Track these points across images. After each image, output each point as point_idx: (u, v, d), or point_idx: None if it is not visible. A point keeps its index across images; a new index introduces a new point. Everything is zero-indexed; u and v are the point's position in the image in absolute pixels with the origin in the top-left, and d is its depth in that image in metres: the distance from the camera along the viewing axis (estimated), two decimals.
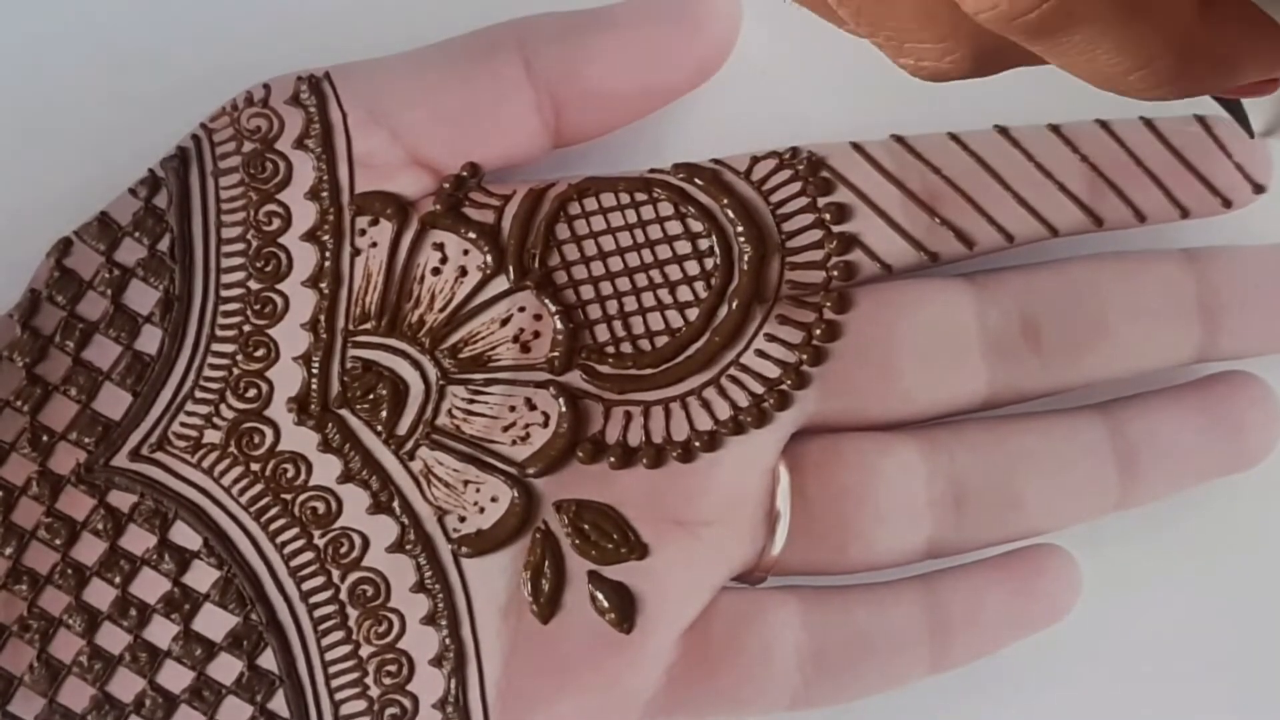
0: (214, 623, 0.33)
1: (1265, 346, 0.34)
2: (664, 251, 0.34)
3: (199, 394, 0.33)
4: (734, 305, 0.34)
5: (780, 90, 0.36)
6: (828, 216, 0.34)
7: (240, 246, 0.34)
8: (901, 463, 0.33)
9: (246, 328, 0.33)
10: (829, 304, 0.33)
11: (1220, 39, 0.27)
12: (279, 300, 0.33)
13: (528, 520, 0.33)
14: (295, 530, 0.33)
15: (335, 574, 0.33)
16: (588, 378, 0.33)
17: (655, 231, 0.34)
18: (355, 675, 0.33)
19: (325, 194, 0.34)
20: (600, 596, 0.33)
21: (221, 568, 0.33)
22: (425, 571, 0.33)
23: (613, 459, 0.33)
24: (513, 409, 0.33)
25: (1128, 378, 0.34)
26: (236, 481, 0.33)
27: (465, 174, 0.34)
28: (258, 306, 0.33)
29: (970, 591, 0.34)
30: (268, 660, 0.32)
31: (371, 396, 0.33)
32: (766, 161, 0.34)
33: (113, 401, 0.33)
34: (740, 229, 0.34)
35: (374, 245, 0.34)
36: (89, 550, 0.33)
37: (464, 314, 0.34)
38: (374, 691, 0.32)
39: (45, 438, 0.33)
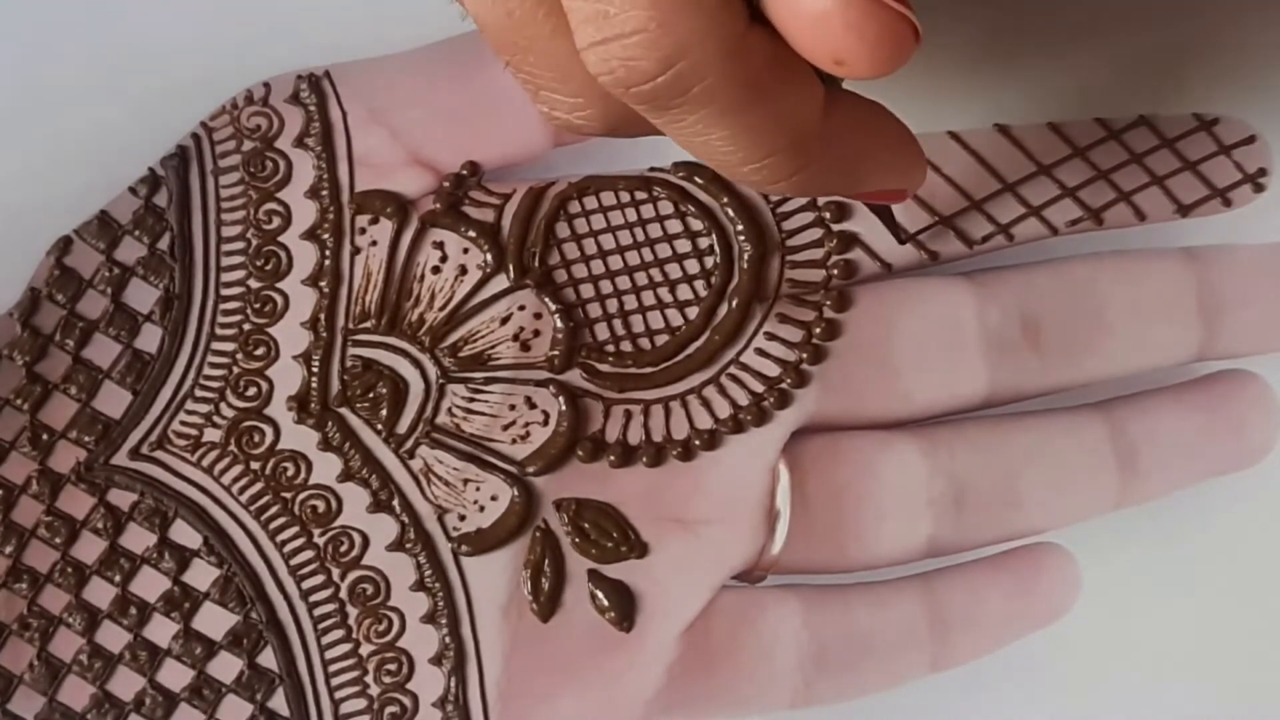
0: (214, 621, 0.33)
1: (1265, 345, 0.34)
2: (664, 250, 0.34)
3: (199, 392, 0.33)
4: (734, 304, 0.34)
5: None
6: (828, 215, 0.34)
7: (240, 245, 0.34)
8: (901, 461, 0.33)
9: (246, 326, 0.33)
10: (829, 302, 0.33)
11: (843, 141, 0.27)
12: (279, 299, 0.33)
13: (527, 519, 0.33)
14: (295, 529, 0.33)
15: (335, 572, 0.33)
16: (587, 376, 0.33)
17: (655, 230, 0.34)
18: (355, 674, 0.33)
19: (325, 192, 0.34)
20: (600, 595, 0.33)
21: (221, 566, 0.33)
22: (425, 570, 0.33)
23: (612, 457, 0.33)
24: (512, 407, 0.33)
25: (1127, 376, 0.34)
26: (236, 480, 0.33)
27: (465, 173, 0.34)
28: (258, 305, 0.33)
29: (970, 590, 0.34)
30: (268, 659, 0.32)
31: (371, 395, 0.33)
32: None
33: (113, 400, 0.33)
34: (740, 227, 0.34)
35: (374, 244, 0.34)
36: (89, 549, 0.33)
37: (464, 312, 0.34)
38: (374, 690, 0.32)
39: (45, 436, 0.33)
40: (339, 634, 0.33)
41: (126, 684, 0.32)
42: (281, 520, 0.33)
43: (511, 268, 0.34)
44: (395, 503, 0.33)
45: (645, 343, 0.34)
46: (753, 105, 0.25)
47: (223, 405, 0.33)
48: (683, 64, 0.24)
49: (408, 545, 0.33)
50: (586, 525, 0.33)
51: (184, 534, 0.33)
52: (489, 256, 0.34)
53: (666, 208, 0.34)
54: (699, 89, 0.24)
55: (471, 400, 0.33)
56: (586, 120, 0.27)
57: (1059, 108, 0.35)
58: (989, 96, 0.35)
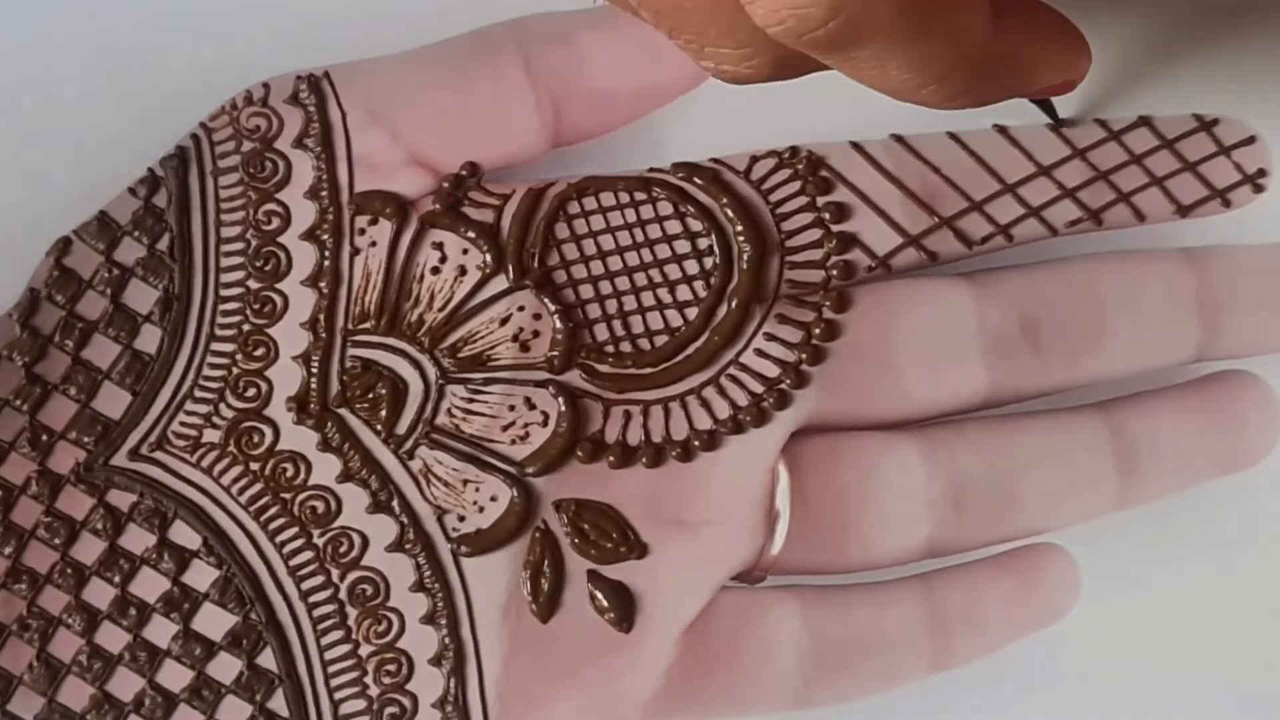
0: (213, 622, 0.33)
1: (1265, 346, 0.34)
2: (663, 251, 0.34)
3: (198, 393, 0.33)
4: (733, 304, 0.34)
5: (779, 89, 0.35)
6: (827, 216, 0.34)
7: (239, 246, 0.34)
8: (901, 462, 0.33)
9: (246, 327, 0.33)
10: (828, 303, 0.33)
11: (1013, 50, 0.27)
12: (278, 299, 0.33)
13: (527, 519, 0.33)
14: (295, 529, 0.33)
15: (335, 573, 0.33)
16: (587, 377, 0.33)
17: (655, 231, 0.34)
18: (355, 674, 0.33)
19: (325, 193, 0.34)
20: (600, 596, 0.33)
21: (221, 567, 0.33)
22: (424, 571, 0.33)
23: (612, 458, 0.33)
24: (512, 408, 0.33)
25: (1127, 377, 0.34)
26: (236, 481, 0.33)
27: (464, 173, 0.34)
28: (257, 306, 0.33)
29: (970, 591, 0.34)
30: (267, 659, 0.32)
31: (371, 396, 0.33)
32: (766, 161, 0.34)
33: (112, 401, 0.33)
34: (740, 228, 0.34)
35: (373, 244, 0.34)
36: (88, 549, 0.33)
37: (463, 313, 0.34)
38: (373, 691, 0.32)
39: (45, 437, 0.33)
40: (338, 635, 0.33)
41: (126, 685, 0.32)
42: (281, 521, 0.33)
43: (511, 268, 0.34)
44: (395, 503, 0.33)
45: (645, 343, 0.34)
46: (924, 33, 0.25)
47: (222, 406, 0.33)
48: (851, 7, 0.24)
49: (407, 546, 0.33)
50: (586, 526, 0.33)
51: (183, 535, 0.33)
52: (488, 257, 0.34)
53: (666, 208, 0.34)
54: (869, 27, 0.24)
55: (471, 401, 0.33)
56: (755, 68, 0.27)
57: (1059, 108, 0.35)
58: None
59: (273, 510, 0.33)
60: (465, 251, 0.34)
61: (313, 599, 0.33)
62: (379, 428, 0.33)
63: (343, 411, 0.33)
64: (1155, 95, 0.35)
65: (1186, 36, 0.36)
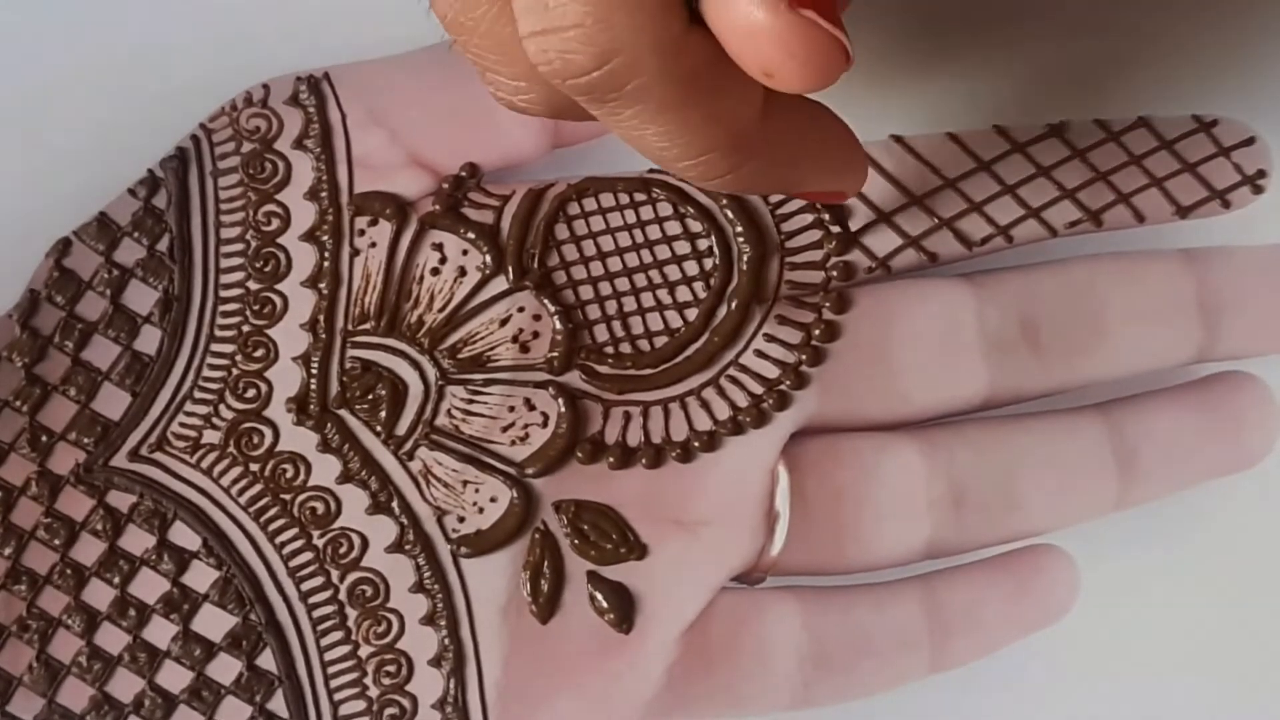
0: (213, 623, 0.33)
1: (1264, 346, 0.34)
2: (663, 252, 0.34)
3: (198, 394, 0.33)
4: (733, 305, 0.34)
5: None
6: (827, 217, 0.34)
7: (239, 247, 0.34)
8: (901, 463, 0.33)
9: (245, 328, 0.33)
10: (828, 304, 0.33)
11: (783, 146, 0.27)
12: (278, 300, 0.33)
13: (527, 520, 0.33)
14: (294, 530, 0.33)
15: (334, 574, 0.33)
16: (587, 378, 0.33)
17: (654, 232, 0.34)
18: (354, 675, 0.33)
19: (324, 194, 0.34)
20: (599, 596, 0.33)
21: (220, 568, 0.33)
22: (424, 572, 0.33)
23: (612, 459, 0.33)
24: (512, 409, 0.33)
25: (1127, 378, 0.34)
26: (236, 482, 0.33)
27: (464, 174, 0.34)
28: (257, 307, 0.33)
29: (969, 591, 0.34)
30: (267, 660, 0.32)
31: (370, 397, 0.33)
32: None
33: (112, 401, 0.33)
34: (739, 229, 0.34)
35: (373, 245, 0.34)
36: (88, 550, 0.33)
37: (463, 314, 0.34)
38: (373, 691, 0.32)
39: (44, 438, 0.33)
40: (338, 635, 0.33)
41: (126, 685, 0.32)
42: (281, 522, 0.33)
43: (511, 269, 0.34)
44: (394, 504, 0.33)
45: (644, 344, 0.34)
46: (688, 104, 0.25)
47: (222, 407, 0.33)
48: (617, 61, 0.24)
49: (407, 547, 0.33)
50: (586, 527, 0.33)
51: (183, 535, 0.33)
52: (488, 258, 0.34)
53: (665, 209, 0.34)
54: (634, 85, 0.25)
55: (471, 402, 0.33)
56: (529, 103, 0.27)
57: (1059, 109, 0.35)
58: (988, 98, 0.35)
59: (272, 511, 0.33)
60: (465, 252, 0.34)
61: (312, 600, 0.33)
62: (379, 429, 0.33)
63: (342, 412, 0.33)
64: (1155, 95, 0.35)
65: (1186, 36, 0.36)
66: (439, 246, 0.34)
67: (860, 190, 0.32)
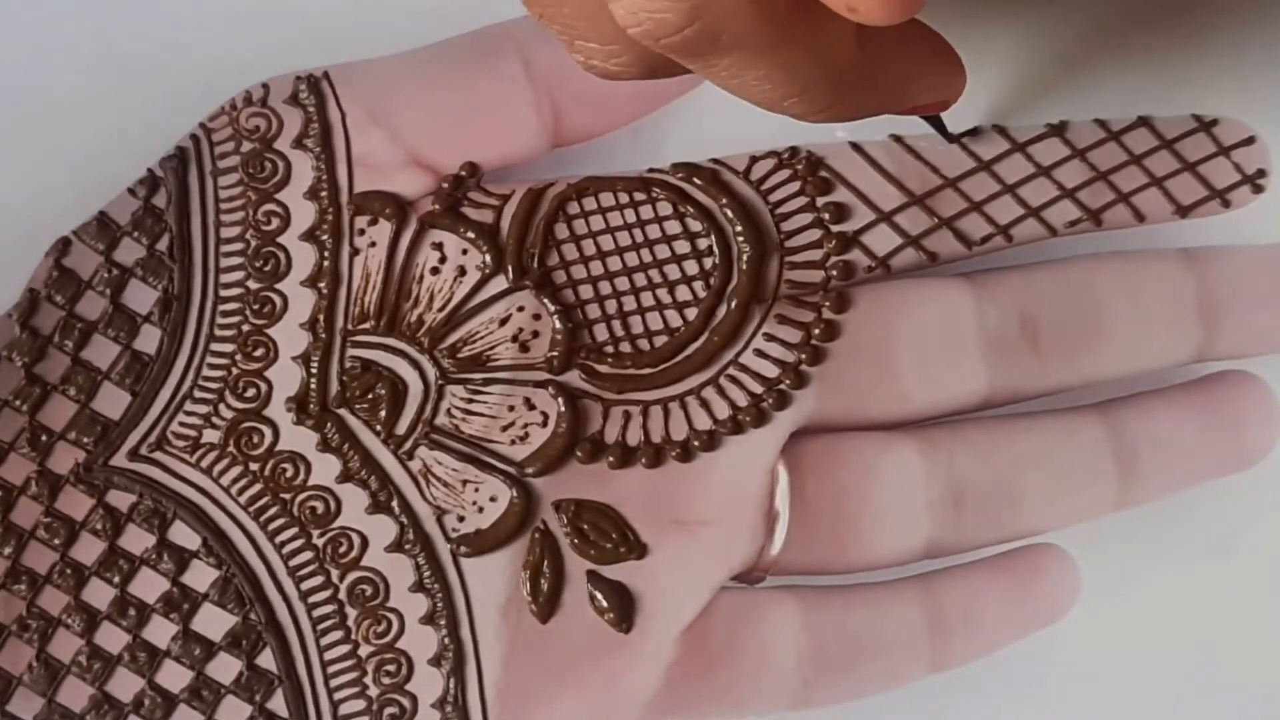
0: (213, 622, 0.33)
1: (1264, 346, 0.34)
2: (663, 251, 0.34)
3: (198, 394, 0.33)
4: (733, 305, 0.34)
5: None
6: (826, 216, 0.34)
7: (239, 246, 0.34)
8: (900, 462, 0.33)
9: (245, 327, 0.33)
10: (828, 303, 0.33)
11: (881, 66, 0.27)
12: (278, 300, 0.33)
13: (526, 520, 0.33)
14: (294, 530, 0.33)
15: (334, 573, 0.33)
16: (586, 377, 0.33)
17: (654, 231, 0.34)
18: (354, 675, 0.33)
19: (324, 194, 0.34)
20: (599, 596, 0.33)
21: (220, 567, 0.33)
22: (424, 571, 0.33)
23: (611, 458, 0.33)
24: (511, 408, 0.33)
25: (1127, 377, 0.34)
26: (235, 481, 0.33)
27: (464, 174, 0.34)
28: (256, 306, 0.33)
29: (969, 591, 0.34)
30: (267, 660, 0.32)
31: (370, 396, 0.33)
32: (765, 161, 0.34)
33: (112, 401, 0.33)
34: (739, 228, 0.34)
35: (373, 245, 0.34)
36: (88, 550, 0.33)
37: (463, 313, 0.34)
38: (373, 691, 0.32)
39: (44, 437, 0.33)
40: (338, 635, 0.33)
41: (125, 685, 0.32)
42: (280, 521, 0.33)
43: (510, 269, 0.34)
44: (394, 504, 0.33)
45: (644, 344, 0.34)
46: (785, 43, 0.25)
47: (221, 406, 0.33)
48: (709, 15, 0.24)
49: (407, 546, 0.33)
50: (585, 526, 0.33)
51: (183, 535, 0.33)
52: (488, 257, 0.34)
53: (665, 209, 0.34)
54: (727, 36, 0.24)
55: (470, 401, 0.33)
56: (622, 67, 0.27)
57: (1059, 109, 0.35)
58: (988, 98, 0.35)
59: (272, 510, 0.33)
60: (465, 252, 0.34)
61: (312, 599, 0.33)
62: (378, 428, 0.33)
63: (342, 412, 0.33)
64: (1155, 95, 0.35)
65: (1185, 37, 0.36)
66: (439, 246, 0.34)
67: (961, 93, 0.32)
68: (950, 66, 0.30)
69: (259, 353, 0.33)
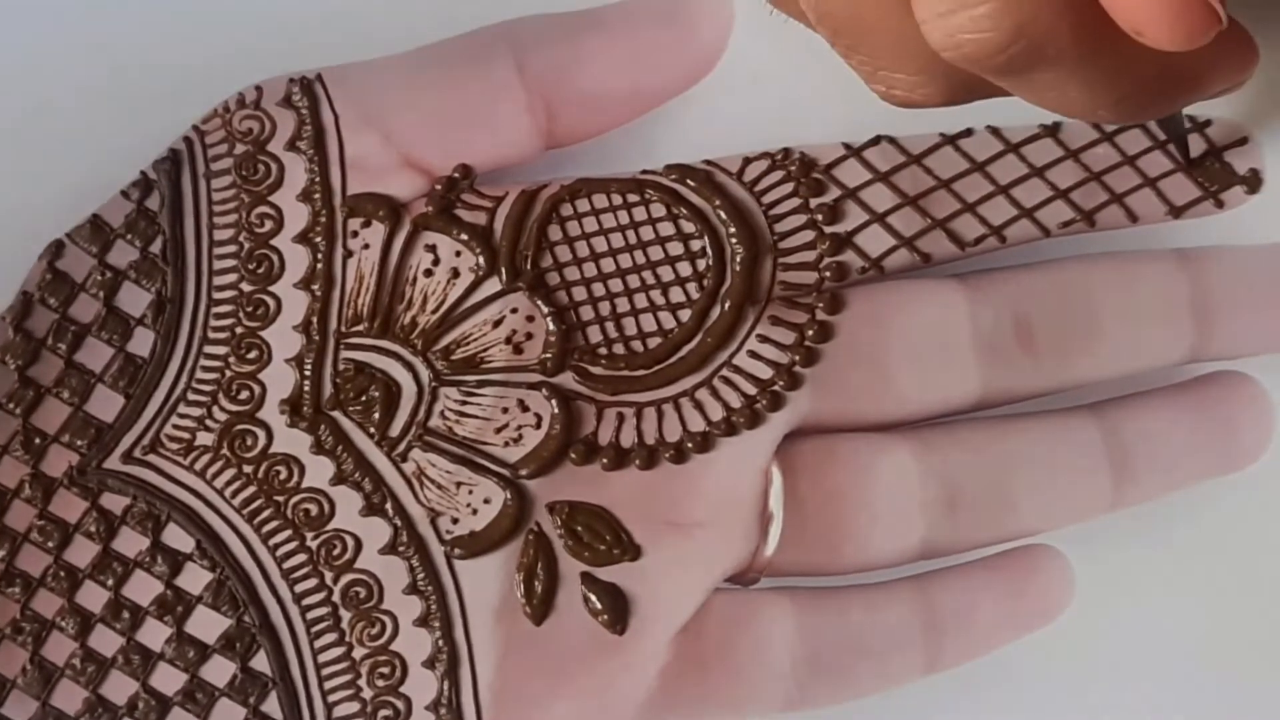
0: (207, 625, 0.33)
1: (1258, 347, 0.34)
2: (656, 252, 0.34)
3: (191, 396, 0.33)
4: (726, 306, 0.34)
5: (772, 91, 0.36)
6: (820, 217, 0.34)
7: (232, 248, 0.34)
8: (895, 463, 0.33)
9: (239, 330, 0.33)
10: (821, 305, 0.33)
11: (1188, 63, 0.27)
12: (271, 302, 0.33)
13: (520, 522, 0.33)
14: (288, 532, 0.33)
15: (328, 576, 0.33)
16: (580, 379, 0.33)
17: (648, 233, 0.34)
18: (348, 677, 0.33)
19: (317, 196, 0.34)
20: (593, 598, 0.33)
21: (214, 570, 0.33)
22: (418, 573, 0.33)
23: (605, 460, 0.33)
24: (505, 410, 0.33)
25: (1121, 378, 0.34)
26: (229, 484, 0.33)
27: (457, 176, 0.34)
28: (250, 308, 0.33)
29: (964, 592, 0.34)
30: (261, 662, 0.32)
31: (364, 398, 0.33)
32: (759, 162, 0.34)
33: (105, 404, 0.33)
34: (733, 230, 0.34)
35: (366, 247, 0.34)
36: (82, 553, 0.33)
37: (456, 315, 0.34)
38: (367, 693, 0.32)
39: (38, 440, 0.33)
40: (332, 637, 0.33)
41: (119, 688, 0.32)
42: (274, 524, 0.33)
43: (504, 270, 0.34)
44: (388, 506, 0.33)
45: (638, 345, 0.34)
46: (1102, 56, 0.25)
47: (215, 409, 0.33)
48: (1031, 31, 0.24)
49: (400, 548, 0.33)
50: (579, 528, 0.33)
51: (177, 538, 0.33)
52: (481, 259, 0.34)
53: (659, 210, 0.34)
54: (1051, 50, 0.24)
55: (464, 403, 0.33)
56: (927, 96, 0.27)
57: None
58: None
59: (266, 513, 0.33)
60: (458, 254, 0.34)
61: (306, 602, 0.33)
62: (372, 430, 0.33)
63: (336, 414, 0.33)
64: None
65: None
66: (432, 248, 0.34)
67: (1253, 72, 0.31)
68: (1245, 47, 0.30)
69: (252, 355, 0.33)
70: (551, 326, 0.33)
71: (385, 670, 0.32)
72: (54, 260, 0.33)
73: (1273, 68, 0.36)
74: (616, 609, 0.33)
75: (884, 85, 0.27)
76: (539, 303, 0.33)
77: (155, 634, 0.32)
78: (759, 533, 0.33)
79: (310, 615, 0.33)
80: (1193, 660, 0.35)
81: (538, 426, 0.33)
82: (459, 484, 0.33)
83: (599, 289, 0.34)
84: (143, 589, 0.33)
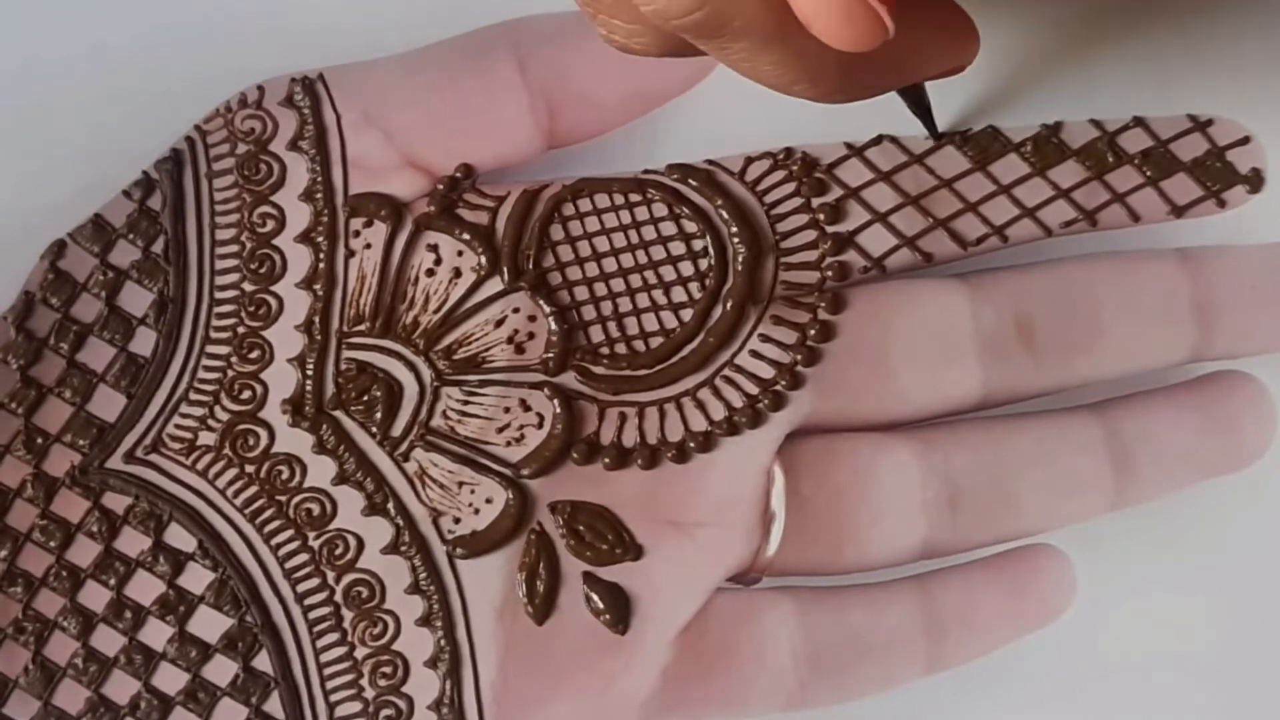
0: (209, 624, 0.33)
1: (1260, 346, 0.34)
2: (658, 252, 0.34)
3: (193, 396, 0.33)
4: (728, 306, 0.34)
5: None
6: (822, 217, 0.34)
7: (234, 248, 0.34)
8: (896, 463, 0.33)
9: (241, 329, 0.33)
10: (823, 304, 0.33)
11: (889, 48, 0.27)
12: (273, 302, 0.33)
13: (522, 521, 0.33)
14: (290, 532, 0.33)
15: (330, 576, 0.33)
16: (582, 379, 0.33)
17: (650, 232, 0.34)
18: (350, 677, 0.33)
19: (319, 195, 0.34)
20: (595, 597, 0.33)
21: (216, 570, 0.33)
22: (420, 573, 0.33)
23: (607, 460, 0.33)
24: (507, 410, 0.33)
25: (1122, 377, 0.34)
26: (231, 483, 0.33)
27: (459, 175, 0.34)
28: (252, 308, 0.33)
29: (965, 592, 0.34)
30: (263, 662, 0.32)
31: (366, 398, 0.33)
32: (761, 162, 0.34)
33: (107, 403, 0.33)
34: (734, 229, 0.34)
35: (368, 247, 0.34)
36: (84, 552, 0.33)
37: (458, 315, 0.34)
38: (369, 693, 0.32)
39: (40, 440, 0.33)
40: (334, 637, 0.33)
41: (121, 687, 0.32)
42: (276, 523, 0.33)
43: (506, 270, 0.34)
44: (390, 506, 0.33)
45: (640, 345, 0.34)
46: (794, 33, 0.25)
47: (217, 408, 0.33)
48: (719, 1, 0.24)
49: (403, 548, 0.33)
50: (581, 528, 0.33)
51: (179, 537, 0.33)
52: (483, 259, 0.34)
53: (660, 210, 0.34)
54: (738, 23, 0.25)
55: (466, 403, 0.33)
56: (644, 45, 0.27)
57: (1053, 109, 0.35)
58: (983, 98, 0.35)
59: (268, 513, 0.33)
60: (460, 253, 0.34)
61: (308, 601, 0.33)
62: (374, 430, 0.33)
63: (338, 414, 0.33)
64: (1150, 95, 0.35)
65: (1182, 36, 0.36)
66: (434, 248, 0.34)
67: (975, 56, 0.31)
68: (961, 32, 0.30)
69: (254, 355, 0.33)
70: (553, 326, 0.33)
71: (387, 670, 0.33)
72: (56, 260, 0.33)
73: (1274, 67, 0.36)
74: (618, 608, 0.33)
75: (605, 30, 0.27)
76: (541, 302, 0.33)
77: (157, 634, 0.32)
78: (761, 532, 0.33)
79: (312, 615, 0.33)
80: (1193, 660, 0.35)
81: (540, 426, 0.33)
82: (461, 483, 0.33)
83: (601, 288, 0.34)
84: (145, 589, 0.33)
